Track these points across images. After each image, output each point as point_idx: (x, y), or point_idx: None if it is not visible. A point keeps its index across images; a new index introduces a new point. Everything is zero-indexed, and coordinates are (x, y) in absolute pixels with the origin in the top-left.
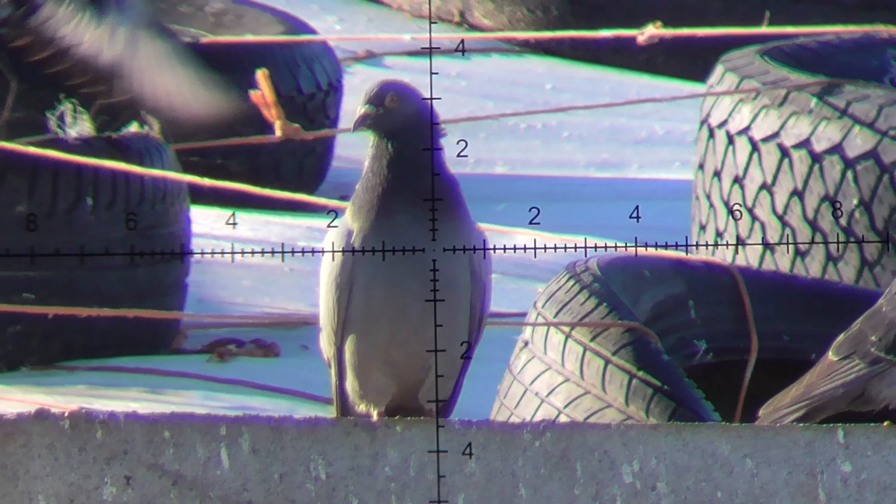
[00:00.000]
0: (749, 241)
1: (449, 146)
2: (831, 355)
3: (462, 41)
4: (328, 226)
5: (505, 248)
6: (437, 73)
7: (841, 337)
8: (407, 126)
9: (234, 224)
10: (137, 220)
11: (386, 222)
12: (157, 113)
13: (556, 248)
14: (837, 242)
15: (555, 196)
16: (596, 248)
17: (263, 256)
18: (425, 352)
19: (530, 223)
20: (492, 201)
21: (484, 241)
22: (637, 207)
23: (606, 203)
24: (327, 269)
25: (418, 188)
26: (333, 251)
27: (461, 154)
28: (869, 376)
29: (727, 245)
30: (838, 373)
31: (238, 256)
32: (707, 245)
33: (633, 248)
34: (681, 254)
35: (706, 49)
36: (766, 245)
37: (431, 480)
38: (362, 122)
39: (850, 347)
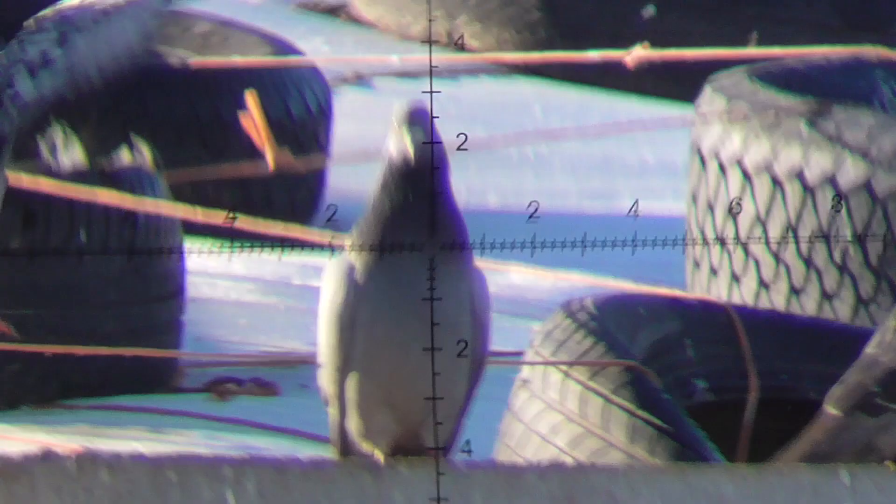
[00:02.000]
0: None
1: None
2: (832, 409)
3: (462, 36)
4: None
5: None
6: (427, 94)
7: (838, 389)
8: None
9: (234, 218)
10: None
11: (391, 259)
12: None
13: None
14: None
15: (548, 229)
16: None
17: (260, 294)
18: (427, 391)
19: (530, 218)
20: (484, 232)
21: (483, 280)
22: (636, 202)
23: (600, 236)
24: (329, 305)
25: (427, 223)
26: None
27: (461, 147)
28: (876, 429)
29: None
30: (844, 429)
31: (236, 295)
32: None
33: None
34: (676, 291)
35: (693, 70)
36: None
37: None
38: (424, 152)
39: (853, 401)
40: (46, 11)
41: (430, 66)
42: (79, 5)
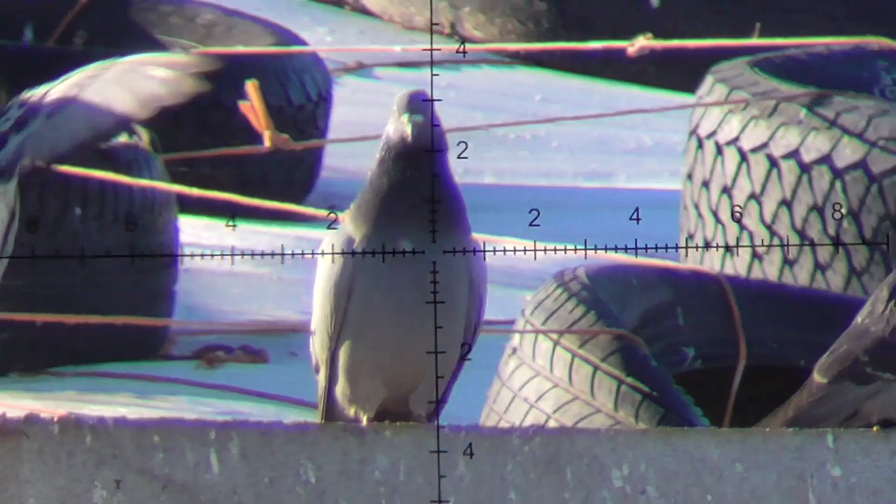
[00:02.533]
0: (738, 246)
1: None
2: (819, 377)
3: (463, 43)
4: (328, 227)
5: (502, 251)
6: (426, 85)
7: (826, 358)
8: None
9: (234, 226)
10: (129, 227)
11: (391, 229)
12: None
13: (549, 249)
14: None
15: (543, 205)
16: (588, 247)
17: (253, 264)
18: (419, 359)
19: (530, 225)
20: (481, 210)
21: (480, 253)
22: (637, 210)
23: (595, 212)
24: (326, 273)
25: (426, 196)
26: (333, 253)
27: (461, 156)
28: (864, 397)
29: (717, 247)
30: (830, 396)
31: (229, 265)
32: (696, 245)
33: (627, 254)
34: (669, 262)
35: (696, 60)
36: (754, 248)
37: (421, 484)
38: (421, 132)
39: (840, 369)
40: (13, 101)
41: (431, 56)
42: (42, 95)
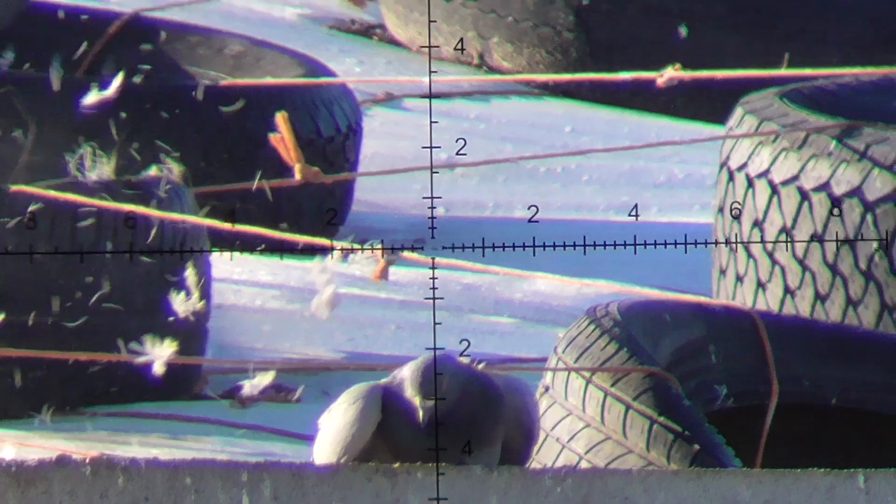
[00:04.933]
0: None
1: (447, 145)
2: None
3: (461, 39)
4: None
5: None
6: (455, 116)
7: None
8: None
9: (233, 223)
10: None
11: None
12: None
13: None
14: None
15: (574, 239)
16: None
17: (284, 301)
18: None
19: (529, 220)
20: (511, 245)
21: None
22: (636, 206)
23: (626, 246)
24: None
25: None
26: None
27: (460, 152)
28: None
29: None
30: None
31: (260, 302)
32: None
33: (656, 293)
34: (701, 298)
35: (725, 91)
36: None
37: None
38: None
39: None
40: None
41: (430, 74)
42: None
